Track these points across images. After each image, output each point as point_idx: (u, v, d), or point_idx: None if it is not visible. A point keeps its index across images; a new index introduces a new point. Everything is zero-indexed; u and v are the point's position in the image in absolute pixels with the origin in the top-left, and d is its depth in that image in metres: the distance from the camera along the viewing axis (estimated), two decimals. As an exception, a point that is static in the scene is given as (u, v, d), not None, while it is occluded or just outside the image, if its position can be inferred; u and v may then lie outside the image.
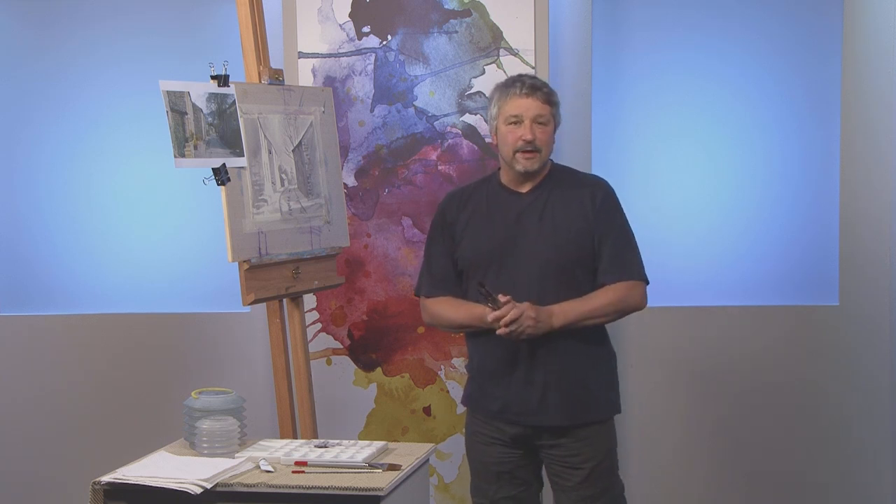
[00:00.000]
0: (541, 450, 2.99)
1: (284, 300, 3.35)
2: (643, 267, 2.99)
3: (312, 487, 2.56)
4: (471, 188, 3.10)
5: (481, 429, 3.04)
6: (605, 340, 3.03)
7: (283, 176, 3.29)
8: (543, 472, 3.08)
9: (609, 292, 2.92)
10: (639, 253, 2.99)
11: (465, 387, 3.12)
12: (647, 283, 2.99)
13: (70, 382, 4.13)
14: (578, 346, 2.93)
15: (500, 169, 3.04)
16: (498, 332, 2.84)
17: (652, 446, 3.97)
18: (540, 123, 2.91)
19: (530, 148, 2.90)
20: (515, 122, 2.91)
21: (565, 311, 2.86)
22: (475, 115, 3.84)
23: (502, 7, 3.81)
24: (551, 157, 3.02)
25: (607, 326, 3.02)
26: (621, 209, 3.01)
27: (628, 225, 3.01)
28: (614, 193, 3.01)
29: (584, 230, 2.92)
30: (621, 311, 2.94)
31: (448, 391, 3.89)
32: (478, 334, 2.98)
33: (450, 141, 3.86)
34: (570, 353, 2.92)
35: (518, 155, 2.91)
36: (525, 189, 2.98)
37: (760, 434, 4.02)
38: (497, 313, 2.82)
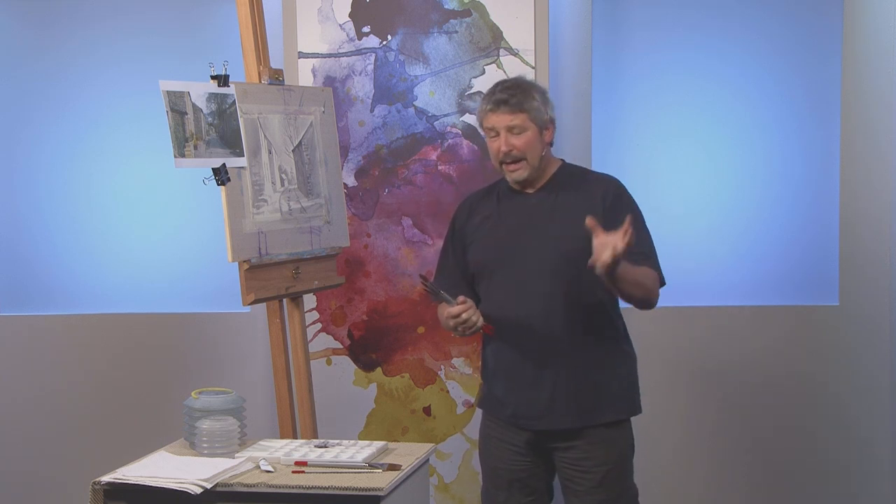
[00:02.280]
0: (554, 453, 2.97)
1: (284, 300, 3.35)
2: (657, 260, 2.93)
3: (312, 487, 2.56)
4: (481, 193, 3.11)
5: (495, 433, 3.02)
6: (620, 340, 2.99)
7: (283, 176, 3.29)
8: (555, 483, 3.07)
9: (649, 271, 2.84)
10: (654, 248, 2.93)
11: (479, 390, 3.11)
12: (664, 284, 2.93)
13: (70, 382, 4.13)
14: (589, 347, 2.90)
15: None
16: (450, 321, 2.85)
17: (652, 446, 3.97)
18: (515, 133, 2.88)
19: (510, 159, 2.89)
20: (495, 135, 2.91)
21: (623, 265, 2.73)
22: (475, 115, 3.84)
23: (502, 7, 3.81)
24: (562, 158, 3.03)
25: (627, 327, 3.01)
26: (636, 206, 2.95)
27: (643, 220, 2.94)
28: (627, 191, 2.97)
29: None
30: (649, 296, 2.85)
31: (448, 391, 3.89)
32: (491, 337, 2.97)
33: (450, 141, 3.86)
34: (579, 354, 2.89)
35: (504, 167, 2.92)
36: (532, 190, 2.98)
37: (760, 434, 4.03)
38: (452, 309, 2.82)
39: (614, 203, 2.90)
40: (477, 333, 2.94)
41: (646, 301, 2.87)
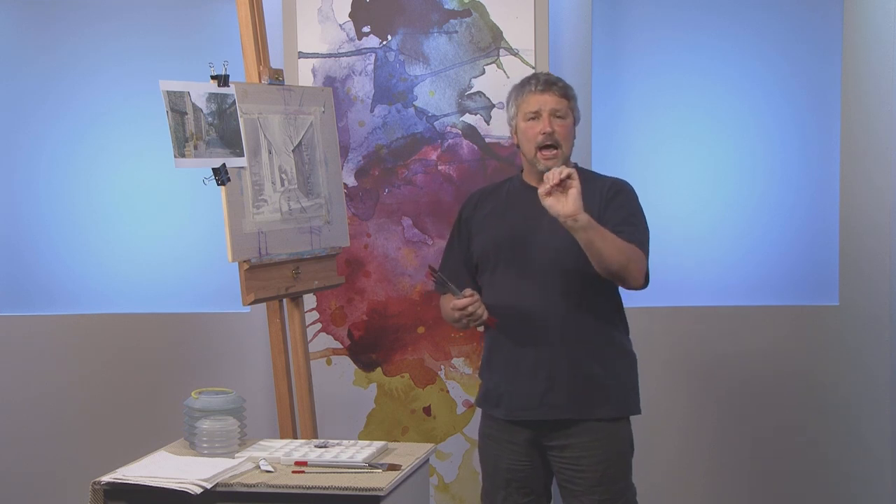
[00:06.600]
0: (549, 451, 2.97)
1: (284, 300, 3.35)
2: (648, 251, 2.92)
3: (312, 487, 2.56)
4: (491, 187, 3.15)
5: (495, 432, 3.03)
6: (620, 338, 2.99)
7: (283, 176, 3.29)
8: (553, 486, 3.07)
9: (632, 245, 2.83)
10: (648, 238, 2.93)
11: (479, 388, 3.12)
12: (648, 268, 2.91)
13: (70, 382, 4.13)
14: (588, 340, 2.91)
15: (523, 170, 3.07)
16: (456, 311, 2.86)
17: (652, 446, 3.97)
18: (558, 117, 2.92)
19: (550, 142, 2.91)
20: (534, 118, 2.93)
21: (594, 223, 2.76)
22: (475, 115, 3.84)
23: (502, 7, 3.81)
24: (574, 161, 3.04)
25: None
26: (636, 202, 2.97)
27: (643, 215, 2.97)
28: (632, 190, 3.00)
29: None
30: (627, 265, 2.79)
31: (448, 391, 3.89)
32: (487, 332, 3.00)
33: (450, 141, 3.86)
34: (578, 346, 2.90)
35: (539, 154, 2.92)
36: None
37: (760, 434, 4.02)
38: (458, 302, 2.84)
39: (613, 197, 2.94)
40: (476, 327, 2.96)
41: (624, 269, 2.79)
